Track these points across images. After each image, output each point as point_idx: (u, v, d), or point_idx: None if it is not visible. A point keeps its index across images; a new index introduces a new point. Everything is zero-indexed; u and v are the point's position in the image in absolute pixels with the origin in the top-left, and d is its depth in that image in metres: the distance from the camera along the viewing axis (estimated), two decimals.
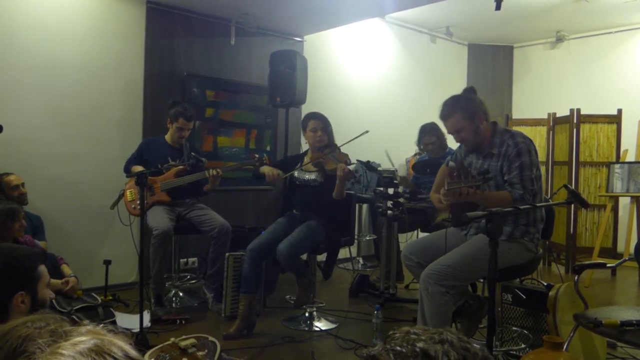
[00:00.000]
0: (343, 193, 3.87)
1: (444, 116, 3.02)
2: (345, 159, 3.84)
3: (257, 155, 4.41)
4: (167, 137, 4.48)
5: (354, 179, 3.80)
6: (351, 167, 3.88)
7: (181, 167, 4.29)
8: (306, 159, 4.12)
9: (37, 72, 4.42)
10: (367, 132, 3.95)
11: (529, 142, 2.92)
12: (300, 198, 4.01)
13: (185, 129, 4.41)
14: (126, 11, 4.90)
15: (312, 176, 3.98)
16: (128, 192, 4.30)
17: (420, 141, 5.00)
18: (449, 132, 3.08)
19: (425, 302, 2.84)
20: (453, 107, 2.98)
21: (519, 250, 2.91)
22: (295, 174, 4.07)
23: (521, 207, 2.53)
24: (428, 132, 4.89)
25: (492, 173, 2.92)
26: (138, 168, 4.22)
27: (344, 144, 3.98)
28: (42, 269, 1.97)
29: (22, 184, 4.07)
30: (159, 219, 4.14)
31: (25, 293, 1.85)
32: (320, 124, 4.01)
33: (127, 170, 4.36)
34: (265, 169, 4.05)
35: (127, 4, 4.89)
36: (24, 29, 4.35)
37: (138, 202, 3.86)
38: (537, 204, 2.74)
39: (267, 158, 4.39)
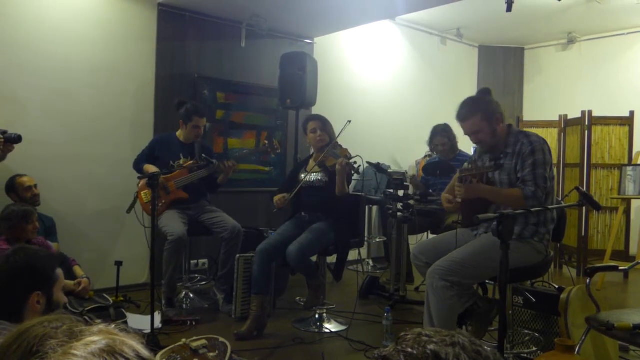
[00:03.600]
0: (344, 188, 3.82)
1: (462, 117, 3.02)
2: (345, 154, 3.82)
3: (266, 142, 4.39)
4: (179, 134, 4.47)
5: (353, 170, 3.73)
6: (353, 161, 3.81)
7: (191, 162, 4.26)
8: (311, 161, 4.12)
9: (49, 74, 4.46)
10: (349, 122, 3.91)
11: (542, 142, 2.93)
12: (307, 200, 4.00)
13: (201, 126, 4.41)
14: (138, 14, 4.93)
15: (318, 177, 3.98)
16: (143, 194, 4.26)
17: (431, 141, 5.00)
18: (466, 134, 3.08)
19: (431, 297, 2.85)
20: (472, 109, 2.98)
21: (528, 251, 2.90)
22: (302, 176, 4.07)
23: (532, 209, 2.52)
24: (440, 134, 4.89)
25: (506, 171, 2.94)
26: (151, 168, 4.20)
27: (336, 137, 3.95)
28: (59, 272, 2.00)
29: (35, 185, 4.11)
30: (174, 224, 4.12)
31: (42, 294, 1.87)
32: (319, 123, 4.01)
33: (139, 169, 4.33)
34: (275, 198, 4.01)
35: (138, 6, 4.93)
36: (37, 32, 4.39)
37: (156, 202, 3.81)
38: (549, 206, 2.74)
39: (277, 142, 4.40)
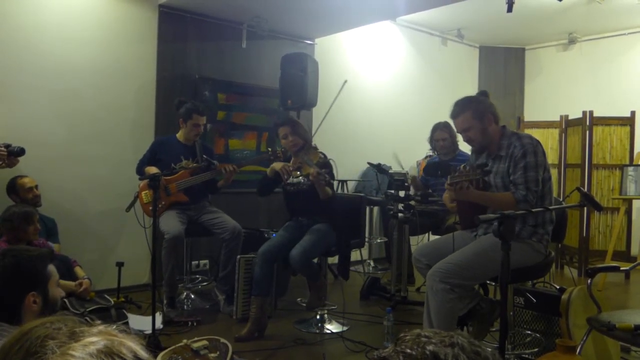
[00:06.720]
0: (326, 193, 3.78)
1: (454, 114, 3.09)
2: (317, 159, 3.81)
3: (270, 149, 4.39)
4: (180, 135, 4.47)
5: (324, 181, 3.64)
6: (325, 171, 3.71)
7: (194, 165, 4.27)
8: (290, 164, 4.08)
9: (50, 75, 4.46)
10: (346, 81, 3.89)
11: (535, 143, 2.93)
12: (299, 204, 3.99)
13: (201, 125, 4.41)
14: (139, 15, 4.93)
15: (300, 179, 3.96)
16: (143, 194, 4.26)
17: (432, 137, 4.99)
18: (458, 131, 3.16)
19: (431, 300, 2.85)
20: (463, 106, 3.05)
21: (526, 251, 2.90)
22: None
23: (532, 209, 2.52)
24: (441, 128, 4.89)
25: (500, 175, 2.94)
26: (152, 169, 4.19)
27: (320, 123, 3.92)
28: (52, 268, 1.99)
29: (36, 186, 4.11)
30: (171, 223, 4.14)
31: (37, 293, 1.87)
32: (289, 128, 3.96)
33: (141, 172, 4.32)
34: (275, 164, 3.96)
35: (139, 7, 4.93)
36: (38, 33, 4.40)
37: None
38: (549, 207, 2.73)
39: (280, 151, 4.38)
